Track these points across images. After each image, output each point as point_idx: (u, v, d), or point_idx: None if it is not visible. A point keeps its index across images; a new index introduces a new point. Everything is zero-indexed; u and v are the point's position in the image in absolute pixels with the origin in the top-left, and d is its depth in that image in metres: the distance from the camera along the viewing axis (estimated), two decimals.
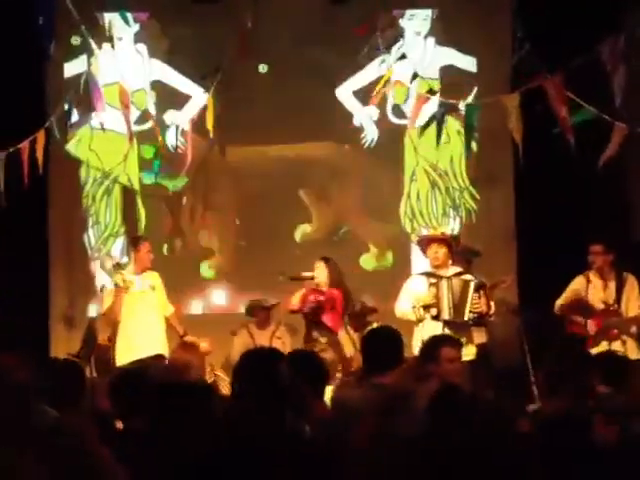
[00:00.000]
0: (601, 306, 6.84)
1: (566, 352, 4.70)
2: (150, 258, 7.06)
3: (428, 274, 6.70)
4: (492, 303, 6.68)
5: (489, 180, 8.10)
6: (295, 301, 7.03)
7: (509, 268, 7.84)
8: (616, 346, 6.70)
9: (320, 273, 7.05)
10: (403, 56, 7.57)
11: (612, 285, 6.84)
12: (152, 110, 8.38)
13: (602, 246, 6.82)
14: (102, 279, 7.99)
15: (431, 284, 6.59)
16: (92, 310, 8.16)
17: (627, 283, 6.85)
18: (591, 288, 6.86)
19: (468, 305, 6.54)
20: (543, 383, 4.53)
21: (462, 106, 6.70)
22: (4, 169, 6.76)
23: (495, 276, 7.13)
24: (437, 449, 2.94)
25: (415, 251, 7.78)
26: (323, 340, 6.92)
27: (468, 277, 6.67)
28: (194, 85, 8.16)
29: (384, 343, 4.30)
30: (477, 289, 6.57)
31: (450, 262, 6.70)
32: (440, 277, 6.61)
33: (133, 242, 7.31)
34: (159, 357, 6.71)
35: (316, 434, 3.42)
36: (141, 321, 6.83)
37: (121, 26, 8.26)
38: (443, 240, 6.78)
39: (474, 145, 7.53)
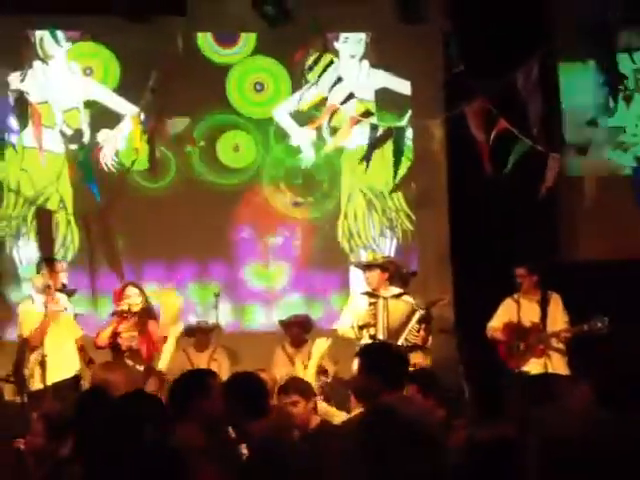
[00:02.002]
0: (528, 325, 7.05)
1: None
2: (63, 279, 7.06)
3: (369, 293, 6.81)
4: (430, 338, 6.76)
5: (424, 200, 8.21)
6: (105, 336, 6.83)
7: (445, 288, 7.98)
8: (542, 362, 6.92)
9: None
10: (339, 79, 7.68)
11: (538, 305, 7.06)
12: (86, 129, 8.30)
13: (526, 268, 7.07)
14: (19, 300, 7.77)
15: (370, 303, 6.71)
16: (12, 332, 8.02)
17: (551, 302, 7.09)
18: (520, 309, 7.06)
19: (406, 332, 6.64)
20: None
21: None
22: None
23: (431, 295, 7.26)
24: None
25: (353, 271, 7.88)
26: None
27: (410, 300, 6.77)
28: (127, 104, 8.12)
29: None
30: (420, 321, 6.68)
31: (388, 283, 6.79)
32: (378, 297, 6.71)
33: (49, 263, 7.26)
34: (75, 378, 6.74)
35: (256, 453, 3.54)
36: (57, 343, 6.79)
37: (52, 44, 8.18)
38: (377, 266, 6.87)
39: (404, 167, 7.66)
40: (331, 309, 8.18)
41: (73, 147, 8.17)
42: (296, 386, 4.65)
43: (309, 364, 5.32)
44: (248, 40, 8.48)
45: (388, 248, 8.33)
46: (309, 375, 5.17)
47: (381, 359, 4.03)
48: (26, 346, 6.93)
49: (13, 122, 7.83)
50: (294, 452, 3.64)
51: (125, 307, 6.83)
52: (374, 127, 6.98)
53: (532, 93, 6.37)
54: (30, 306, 6.98)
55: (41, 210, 8.29)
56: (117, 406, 3.70)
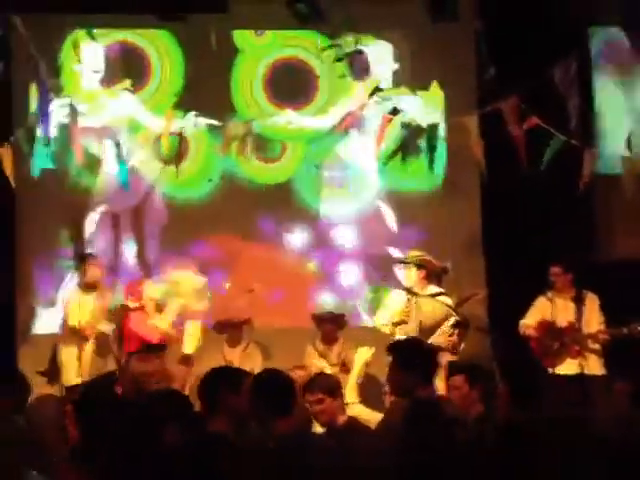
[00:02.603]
0: (564, 324, 6.99)
1: None
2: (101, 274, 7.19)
3: (408, 290, 6.80)
4: (462, 345, 6.69)
5: (457, 196, 8.18)
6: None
7: (478, 284, 7.95)
8: (577, 363, 6.88)
9: None
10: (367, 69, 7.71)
11: (573, 304, 7.01)
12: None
13: (561, 267, 7.02)
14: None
15: (407, 300, 6.71)
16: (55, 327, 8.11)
17: (587, 301, 7.03)
18: (554, 308, 7.00)
19: (437, 334, 6.58)
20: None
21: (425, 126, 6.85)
22: None
23: (464, 291, 7.25)
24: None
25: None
26: None
27: (447, 301, 6.72)
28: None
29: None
30: (455, 326, 6.63)
31: (425, 282, 6.77)
32: (415, 294, 6.70)
33: (82, 258, 7.37)
34: (111, 374, 6.76)
35: (278, 451, 3.56)
36: None
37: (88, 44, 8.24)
38: (413, 264, 6.85)
39: (439, 164, 7.64)
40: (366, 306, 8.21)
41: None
42: (322, 383, 4.62)
43: (352, 373, 5.21)
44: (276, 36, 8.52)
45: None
46: (351, 386, 5.02)
47: (414, 355, 4.03)
48: (73, 337, 7.01)
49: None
50: (316, 450, 3.64)
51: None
52: (405, 126, 6.96)
53: (570, 89, 6.35)
54: (77, 298, 7.10)
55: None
56: (140, 406, 3.72)
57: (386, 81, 8.32)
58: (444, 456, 3.17)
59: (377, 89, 7.80)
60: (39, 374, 6.88)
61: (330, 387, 4.56)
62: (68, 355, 7.09)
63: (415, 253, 6.88)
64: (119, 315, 7.21)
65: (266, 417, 3.87)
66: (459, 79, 8.20)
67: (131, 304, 7.13)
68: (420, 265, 6.78)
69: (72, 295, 7.39)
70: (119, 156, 7.59)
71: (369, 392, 6.23)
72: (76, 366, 6.85)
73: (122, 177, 7.65)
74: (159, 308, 7.14)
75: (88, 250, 7.90)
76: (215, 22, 8.03)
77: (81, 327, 6.97)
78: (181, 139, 7.38)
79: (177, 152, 7.39)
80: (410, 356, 4.06)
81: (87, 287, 7.23)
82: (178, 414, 3.60)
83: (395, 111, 7.39)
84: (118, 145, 7.70)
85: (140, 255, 8.32)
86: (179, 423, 3.53)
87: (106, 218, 8.31)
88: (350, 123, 7.86)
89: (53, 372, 7.27)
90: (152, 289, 7.19)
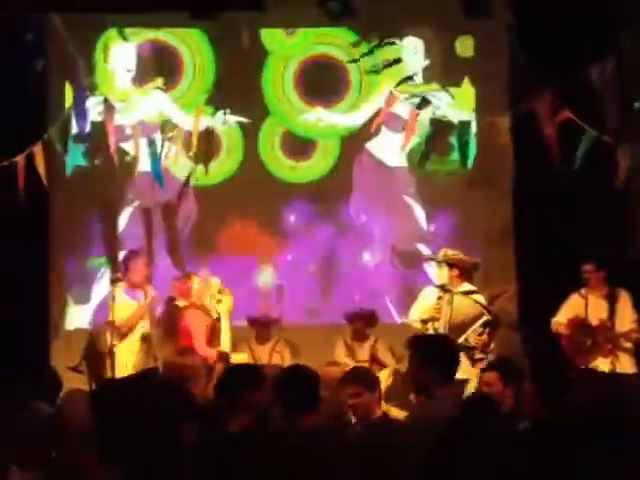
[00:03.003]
0: (596, 322, 6.94)
1: None
2: (147, 271, 7.18)
3: (440, 286, 6.80)
4: (491, 344, 6.65)
5: (488, 192, 8.13)
6: None
7: (509, 280, 7.90)
8: (609, 361, 6.82)
9: None
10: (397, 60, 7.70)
11: (605, 302, 6.97)
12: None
13: (593, 264, 6.98)
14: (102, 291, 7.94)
15: (438, 297, 6.70)
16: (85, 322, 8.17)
17: (620, 299, 6.97)
18: (587, 306, 6.95)
19: (468, 332, 6.57)
20: None
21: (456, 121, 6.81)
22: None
23: (495, 288, 7.21)
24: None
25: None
26: None
27: (480, 299, 6.71)
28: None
29: None
30: (485, 325, 6.60)
31: (459, 280, 6.75)
32: (448, 291, 6.69)
33: (130, 255, 7.40)
34: (153, 369, 6.77)
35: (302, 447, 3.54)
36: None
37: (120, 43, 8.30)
38: (445, 262, 6.83)
39: (470, 160, 7.59)
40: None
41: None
42: (360, 376, 4.59)
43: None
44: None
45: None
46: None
47: (433, 352, 3.99)
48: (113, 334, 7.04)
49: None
50: (342, 446, 3.63)
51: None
52: (434, 122, 6.94)
53: (607, 86, 6.30)
54: (121, 296, 7.13)
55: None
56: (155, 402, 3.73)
57: (417, 77, 8.29)
58: (494, 454, 3.11)
59: (408, 78, 7.76)
60: (70, 370, 6.92)
61: (368, 381, 4.54)
62: (115, 353, 7.07)
63: (448, 252, 6.85)
64: (171, 313, 7.25)
65: (291, 413, 3.85)
66: (491, 76, 8.14)
67: (181, 303, 7.15)
68: (452, 264, 6.75)
69: (116, 293, 7.31)
70: (152, 153, 7.63)
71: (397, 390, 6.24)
72: (120, 364, 6.82)
73: (155, 174, 7.69)
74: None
75: (131, 248, 7.93)
76: (247, 20, 8.08)
77: (125, 325, 7.00)
78: (211, 136, 7.39)
79: (207, 149, 7.41)
80: (430, 352, 4.01)
81: (132, 285, 7.21)
82: (193, 412, 3.60)
83: (424, 102, 7.33)
84: (151, 143, 7.75)
85: (173, 252, 8.37)
86: (195, 421, 3.52)
87: (139, 215, 8.36)
88: (381, 120, 7.83)
89: (88, 368, 7.28)
90: (202, 286, 7.20)
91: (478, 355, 6.59)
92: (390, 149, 8.29)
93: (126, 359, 6.79)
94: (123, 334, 6.92)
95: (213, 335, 6.94)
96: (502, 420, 3.34)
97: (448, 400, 3.94)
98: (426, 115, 7.09)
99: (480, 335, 6.55)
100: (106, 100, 7.52)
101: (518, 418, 4.26)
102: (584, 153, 6.39)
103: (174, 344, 6.91)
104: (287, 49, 8.53)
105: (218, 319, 6.91)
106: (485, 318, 6.58)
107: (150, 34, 8.41)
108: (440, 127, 6.83)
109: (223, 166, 8.33)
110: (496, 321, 6.70)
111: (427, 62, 8.32)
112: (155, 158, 7.61)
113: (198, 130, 7.55)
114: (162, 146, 7.98)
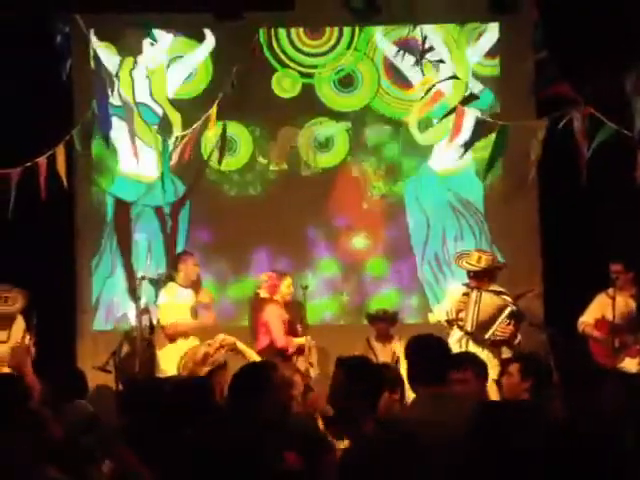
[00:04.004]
0: (624, 323, 6.89)
1: None
2: (197, 272, 7.26)
3: (467, 284, 6.84)
4: (518, 335, 6.71)
5: (514, 193, 8.06)
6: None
7: (535, 280, 7.85)
8: (637, 362, 6.79)
9: None
10: (441, 61, 7.65)
11: (633, 303, 6.93)
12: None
13: (622, 265, 6.93)
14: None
15: (464, 294, 6.73)
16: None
17: None
18: (615, 306, 6.88)
19: (495, 326, 6.63)
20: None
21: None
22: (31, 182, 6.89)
23: (520, 287, 7.18)
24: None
25: None
26: None
27: (507, 299, 6.72)
28: None
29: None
30: (510, 316, 6.65)
31: (489, 283, 6.81)
32: (473, 288, 6.73)
33: (178, 256, 7.44)
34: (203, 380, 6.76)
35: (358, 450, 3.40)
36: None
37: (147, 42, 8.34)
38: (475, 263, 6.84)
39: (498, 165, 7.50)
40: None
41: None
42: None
43: None
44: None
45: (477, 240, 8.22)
46: None
47: (419, 353, 3.93)
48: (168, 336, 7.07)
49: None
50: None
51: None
52: (479, 122, 6.80)
53: (636, 89, 6.24)
54: (173, 297, 7.15)
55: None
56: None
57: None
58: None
59: (453, 77, 7.69)
60: (97, 369, 6.94)
61: (390, 381, 4.48)
62: (163, 354, 7.10)
63: (483, 256, 6.86)
64: (253, 304, 7.38)
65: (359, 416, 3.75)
66: (517, 72, 8.06)
67: (264, 294, 7.28)
68: (482, 267, 6.75)
69: (166, 293, 7.32)
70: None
71: None
72: (172, 365, 6.83)
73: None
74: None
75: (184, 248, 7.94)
76: (272, 20, 8.07)
77: (176, 325, 7.02)
78: (224, 133, 7.40)
79: (220, 145, 7.42)
80: (416, 354, 3.95)
81: (184, 285, 7.23)
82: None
83: (471, 97, 7.22)
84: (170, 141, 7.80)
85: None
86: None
87: (160, 214, 8.38)
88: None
89: (117, 368, 7.26)
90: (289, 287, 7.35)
91: (505, 354, 6.60)
92: (438, 150, 8.25)
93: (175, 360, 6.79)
94: (177, 336, 6.94)
95: (291, 328, 7.25)
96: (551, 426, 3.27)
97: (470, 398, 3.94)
98: (471, 112, 6.92)
99: (506, 326, 6.62)
100: (129, 102, 7.55)
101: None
102: (600, 144, 6.31)
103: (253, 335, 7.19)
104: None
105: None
106: (509, 310, 6.62)
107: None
108: (484, 128, 6.69)
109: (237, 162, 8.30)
110: (520, 313, 6.72)
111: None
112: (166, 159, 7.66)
113: (213, 126, 7.47)
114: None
